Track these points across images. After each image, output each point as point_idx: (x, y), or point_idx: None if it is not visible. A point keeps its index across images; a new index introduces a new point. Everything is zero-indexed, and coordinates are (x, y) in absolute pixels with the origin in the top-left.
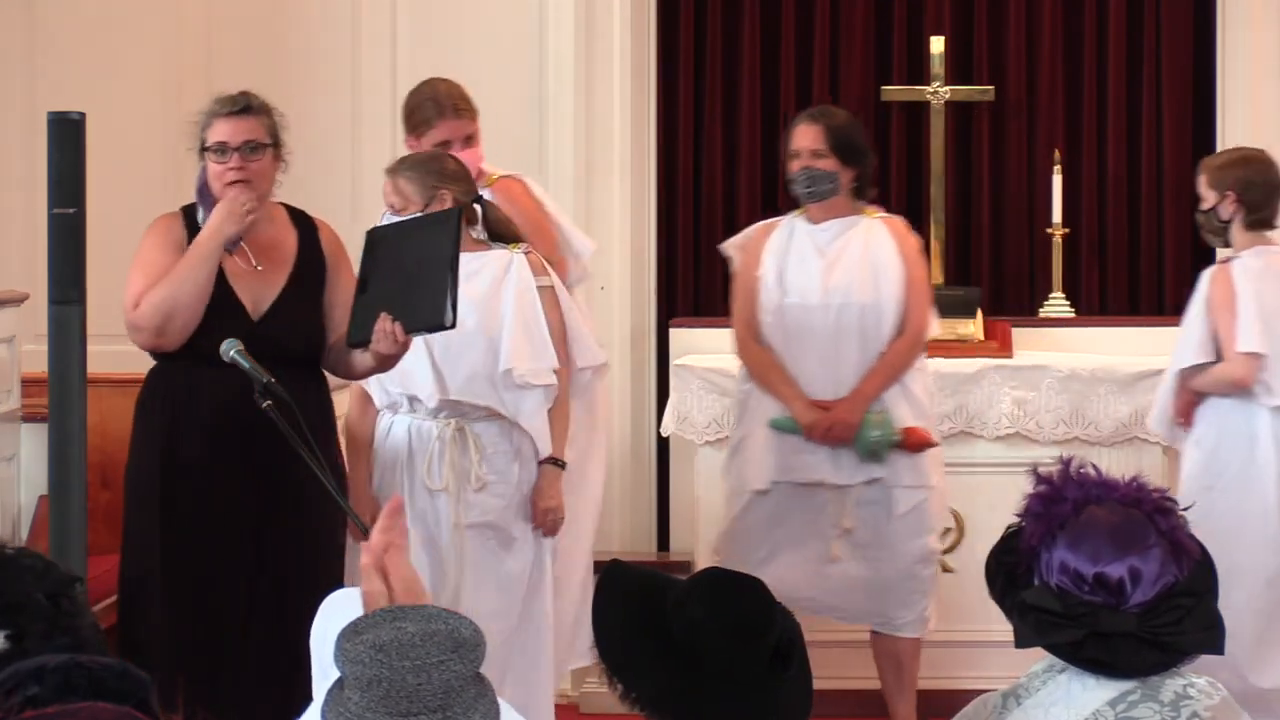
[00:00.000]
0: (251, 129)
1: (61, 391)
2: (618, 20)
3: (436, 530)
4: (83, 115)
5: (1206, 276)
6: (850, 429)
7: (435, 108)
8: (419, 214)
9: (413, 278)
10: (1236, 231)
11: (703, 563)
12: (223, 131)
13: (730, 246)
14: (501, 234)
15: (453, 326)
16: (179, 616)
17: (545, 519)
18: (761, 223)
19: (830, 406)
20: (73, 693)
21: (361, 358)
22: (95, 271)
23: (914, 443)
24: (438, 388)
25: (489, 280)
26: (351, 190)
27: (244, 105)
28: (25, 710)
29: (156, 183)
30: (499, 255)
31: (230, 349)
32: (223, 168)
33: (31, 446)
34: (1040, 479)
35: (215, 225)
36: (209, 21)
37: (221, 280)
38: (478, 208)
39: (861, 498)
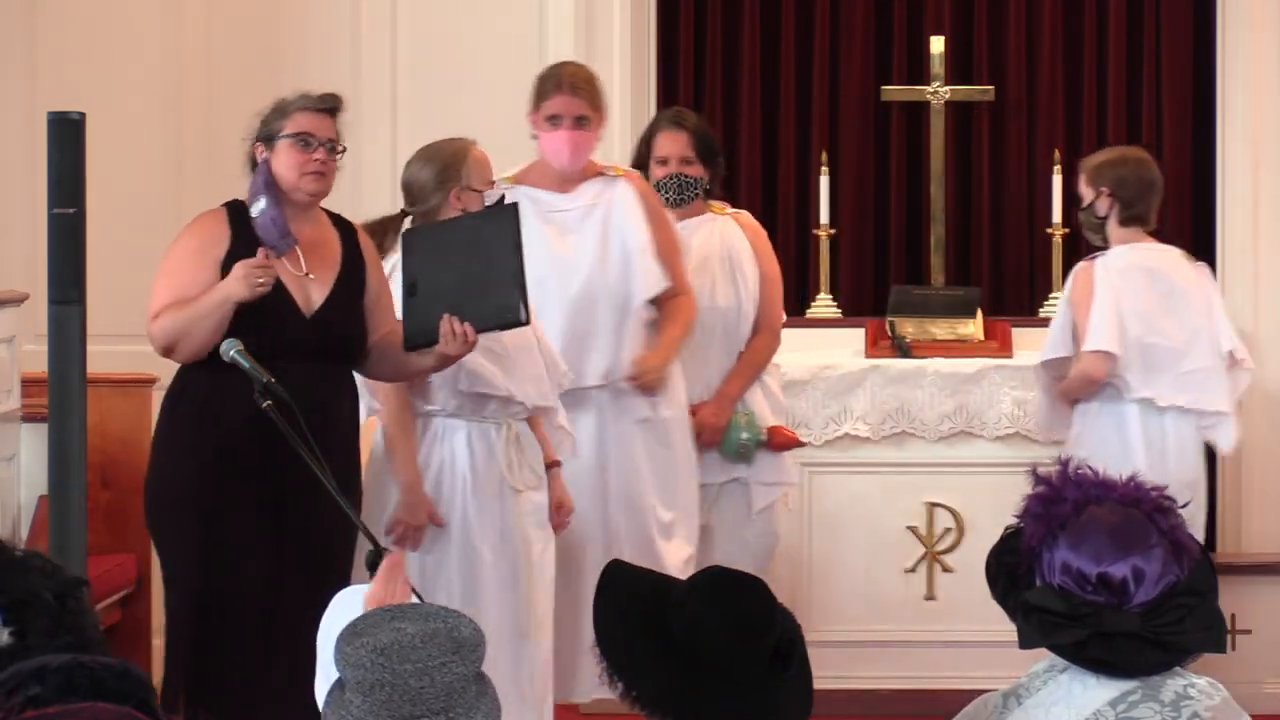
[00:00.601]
0: (335, 129)
1: (61, 391)
2: (618, 20)
3: (513, 532)
4: (83, 115)
5: (1073, 273)
6: (718, 432)
7: (554, 81)
8: (465, 212)
9: (474, 275)
10: (1112, 228)
11: (701, 562)
12: (308, 123)
13: None
14: None
15: (528, 323)
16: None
17: (562, 517)
18: None
19: (696, 410)
20: (74, 693)
21: (420, 359)
22: (95, 271)
23: (779, 442)
24: (534, 388)
25: None
26: (351, 190)
27: (334, 105)
28: (27, 710)
29: (156, 183)
30: None
31: (230, 349)
32: (305, 158)
33: (31, 446)
34: (1039, 479)
35: (227, 290)
36: (209, 22)
37: (278, 283)
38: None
39: (720, 495)
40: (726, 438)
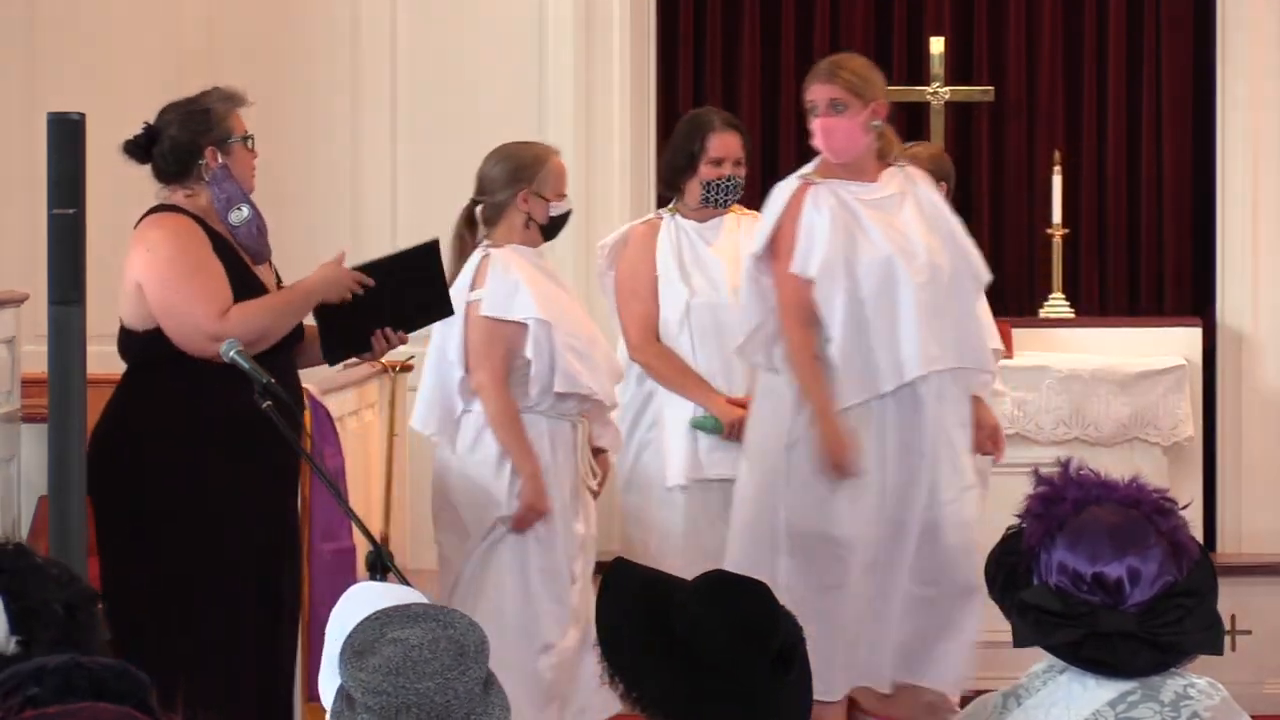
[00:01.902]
0: None
1: (61, 392)
2: (618, 20)
3: (585, 527)
4: (82, 116)
5: None
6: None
7: (812, 71)
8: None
9: (402, 294)
10: None
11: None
12: (244, 123)
13: (608, 245)
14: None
15: (452, 312)
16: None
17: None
18: (638, 222)
19: (746, 403)
20: (73, 693)
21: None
22: (95, 272)
23: None
24: (610, 385)
25: (564, 279)
26: (351, 190)
27: (246, 98)
28: (26, 710)
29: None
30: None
31: (230, 349)
32: (252, 158)
33: (31, 447)
34: (1041, 479)
35: (316, 288)
36: (209, 23)
37: (255, 279)
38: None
39: None
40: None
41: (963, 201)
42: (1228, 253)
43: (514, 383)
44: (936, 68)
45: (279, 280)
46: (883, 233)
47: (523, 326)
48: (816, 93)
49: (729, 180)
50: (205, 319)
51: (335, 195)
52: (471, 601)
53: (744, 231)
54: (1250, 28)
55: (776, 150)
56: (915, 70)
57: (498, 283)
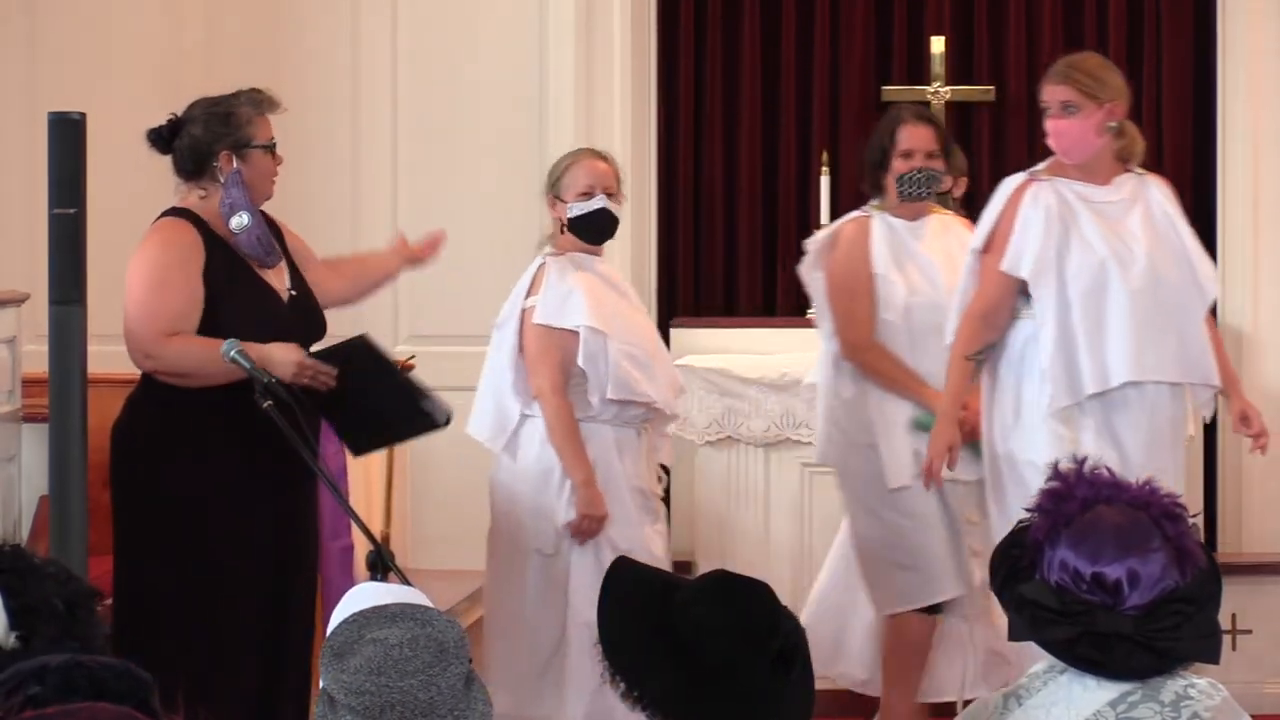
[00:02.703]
0: None
1: (62, 392)
2: (618, 20)
3: (649, 533)
4: (83, 115)
5: None
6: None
7: (1049, 71)
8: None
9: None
10: None
11: (703, 564)
12: (270, 130)
13: (816, 244)
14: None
15: (447, 424)
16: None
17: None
18: (849, 219)
19: (970, 404)
20: (74, 693)
21: (382, 273)
22: (96, 272)
23: None
24: (673, 393)
25: (627, 285)
26: (352, 190)
27: (278, 104)
28: (26, 710)
29: (157, 183)
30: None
31: (230, 349)
32: (274, 165)
33: (32, 447)
34: (1055, 475)
35: (270, 359)
36: (209, 23)
37: (257, 279)
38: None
39: (982, 491)
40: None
41: (965, 201)
42: (1228, 252)
43: (575, 391)
44: (937, 67)
45: (298, 280)
46: (1100, 236)
47: (575, 334)
48: (1049, 94)
49: (920, 172)
50: (146, 337)
51: (336, 196)
52: (550, 613)
53: (952, 235)
54: (1251, 27)
55: (777, 151)
56: (916, 70)
57: (551, 290)
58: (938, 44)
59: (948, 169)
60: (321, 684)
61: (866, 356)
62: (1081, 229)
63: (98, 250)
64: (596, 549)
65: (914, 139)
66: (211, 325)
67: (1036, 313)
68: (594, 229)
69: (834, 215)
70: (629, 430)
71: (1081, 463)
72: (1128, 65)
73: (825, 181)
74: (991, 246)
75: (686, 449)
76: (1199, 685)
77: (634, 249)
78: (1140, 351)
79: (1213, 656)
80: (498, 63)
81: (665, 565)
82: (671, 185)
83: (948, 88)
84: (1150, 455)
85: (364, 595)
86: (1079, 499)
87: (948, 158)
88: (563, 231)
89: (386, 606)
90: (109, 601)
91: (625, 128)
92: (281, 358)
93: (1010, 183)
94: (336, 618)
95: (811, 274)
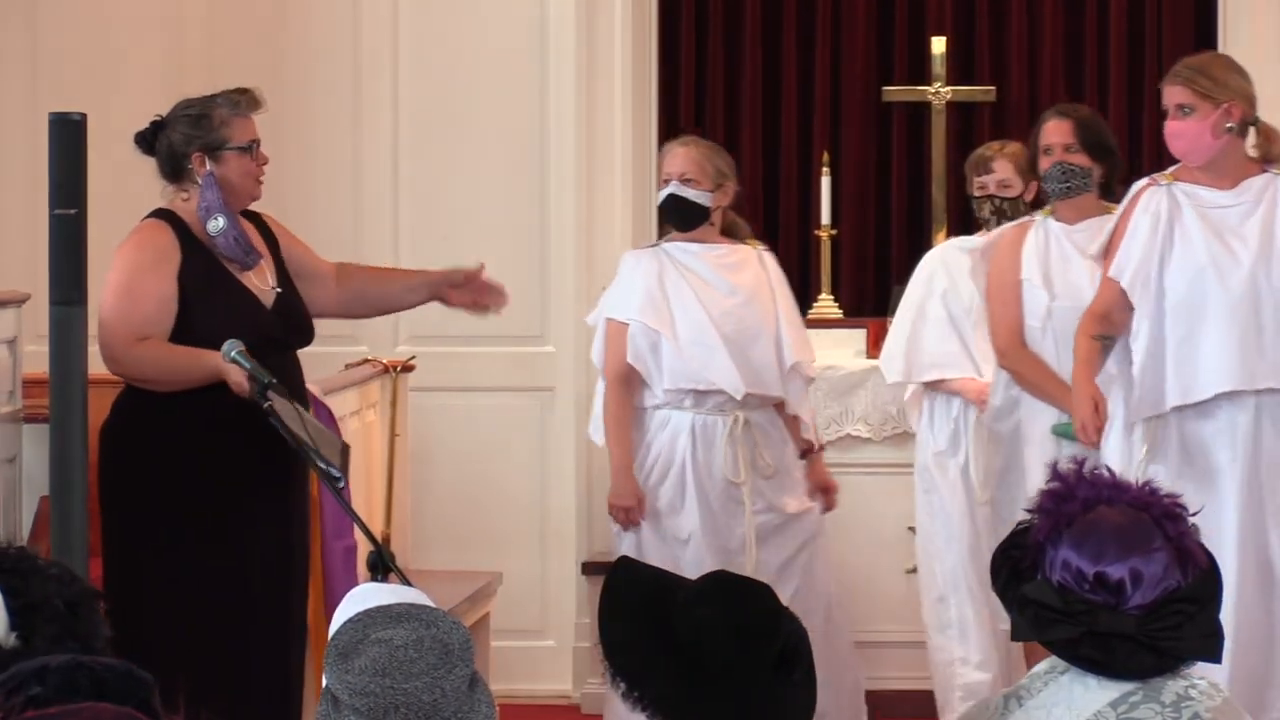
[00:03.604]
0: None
1: (63, 392)
2: (619, 20)
3: (733, 521)
4: (84, 116)
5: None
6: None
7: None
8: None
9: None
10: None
11: None
12: (251, 130)
13: (979, 251)
14: (731, 233)
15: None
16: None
17: (831, 498)
18: (1010, 224)
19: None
20: (75, 693)
21: (406, 297)
22: (96, 272)
23: None
24: (744, 381)
25: (753, 272)
26: (352, 190)
27: (261, 104)
28: (27, 710)
29: (157, 184)
30: (746, 249)
31: (232, 350)
32: (255, 166)
33: (33, 447)
34: (1055, 476)
35: (220, 371)
36: (210, 23)
37: (236, 282)
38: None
39: None
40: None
41: (963, 201)
42: None
43: (642, 382)
44: (938, 68)
45: (286, 284)
46: (1203, 242)
47: (627, 327)
48: (1167, 96)
49: (1057, 167)
50: (112, 342)
51: (337, 196)
52: None
53: None
54: (1252, 28)
55: (778, 151)
56: (917, 70)
57: (618, 284)
58: (939, 44)
59: (1095, 162)
60: (325, 683)
61: (1011, 362)
62: (1187, 234)
63: (98, 251)
64: (638, 537)
65: (1050, 134)
66: (185, 328)
67: (1134, 323)
68: (680, 216)
69: (835, 215)
70: (710, 416)
71: (1082, 463)
72: (1129, 66)
73: (826, 182)
74: (1109, 250)
75: None
76: (1200, 686)
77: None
78: (1236, 361)
79: (1214, 656)
80: (499, 62)
81: (741, 556)
82: None
83: (948, 88)
84: (1271, 467)
85: (366, 595)
86: (1080, 499)
87: (1097, 152)
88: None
89: (391, 607)
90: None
91: (626, 127)
92: (229, 370)
93: (1135, 186)
94: (339, 618)
95: (976, 279)
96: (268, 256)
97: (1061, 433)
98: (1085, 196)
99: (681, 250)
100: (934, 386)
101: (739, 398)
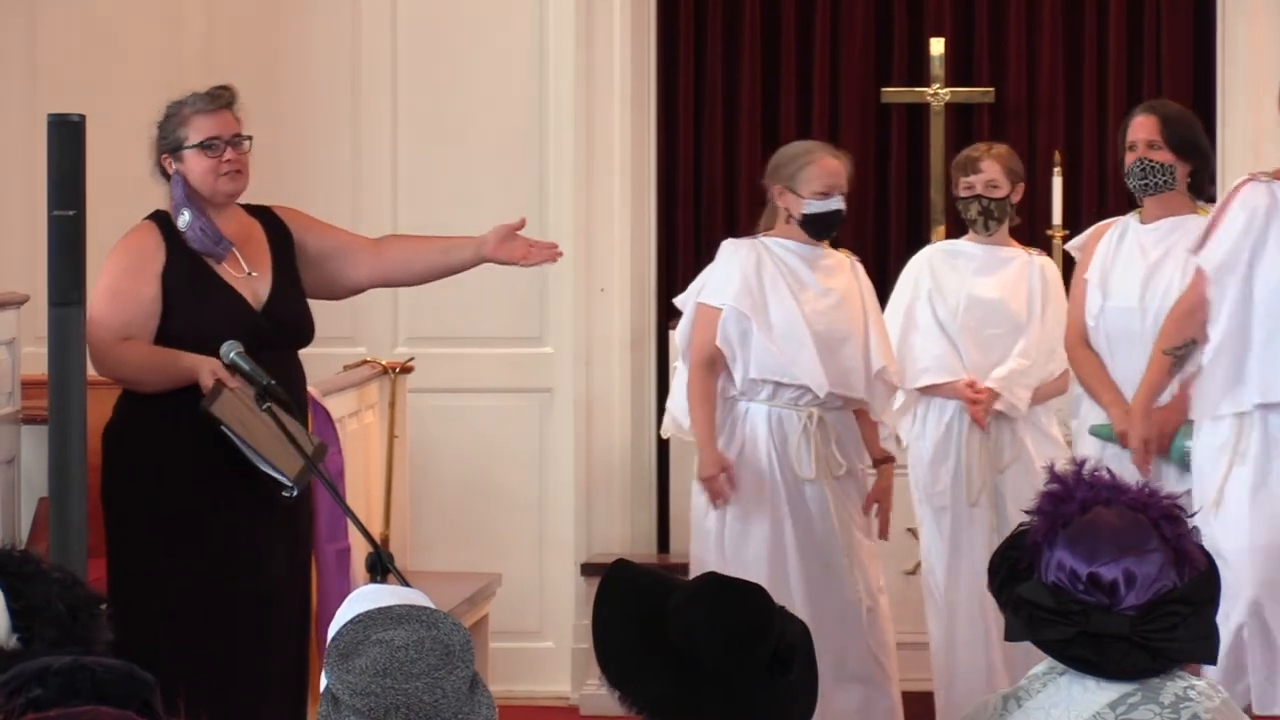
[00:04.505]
0: (235, 122)
1: (62, 393)
2: (618, 21)
3: (810, 515)
4: (83, 117)
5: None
6: (1165, 438)
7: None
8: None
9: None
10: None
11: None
12: (210, 126)
13: (1070, 249)
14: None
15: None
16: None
17: (883, 514)
18: (1100, 223)
19: (1158, 413)
20: (75, 695)
21: (440, 260)
22: (95, 274)
23: None
24: (828, 379)
25: (846, 278)
26: (352, 191)
27: (229, 98)
28: (27, 712)
29: (156, 185)
30: (840, 255)
31: (230, 351)
32: (216, 161)
33: (31, 448)
34: (1054, 478)
35: (195, 369)
36: (209, 24)
37: (221, 282)
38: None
39: None
40: (1173, 444)
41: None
42: None
43: (725, 369)
44: (937, 69)
45: (284, 280)
46: None
47: (720, 311)
48: None
49: (1138, 164)
50: (96, 343)
51: (336, 196)
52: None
53: (1188, 236)
54: (1251, 30)
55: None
56: (915, 71)
57: (715, 269)
58: (937, 45)
59: (1181, 160)
60: (326, 684)
61: (1072, 359)
62: None
63: (97, 252)
64: (720, 517)
65: (1137, 129)
66: (169, 329)
67: (1211, 312)
68: (827, 226)
69: None
70: (790, 412)
71: (1081, 464)
72: (1128, 67)
73: None
74: (1203, 242)
75: (686, 451)
76: (1199, 687)
77: (634, 249)
78: None
79: (1209, 657)
80: (498, 63)
81: (790, 555)
82: (672, 186)
83: (947, 89)
84: None
85: (367, 596)
86: (1078, 500)
87: (1183, 149)
88: (788, 221)
89: (393, 608)
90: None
91: (625, 128)
92: (205, 364)
93: (1237, 180)
94: (339, 619)
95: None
96: (264, 254)
97: (1095, 433)
98: (1170, 194)
99: (779, 245)
100: (927, 391)
101: (822, 395)
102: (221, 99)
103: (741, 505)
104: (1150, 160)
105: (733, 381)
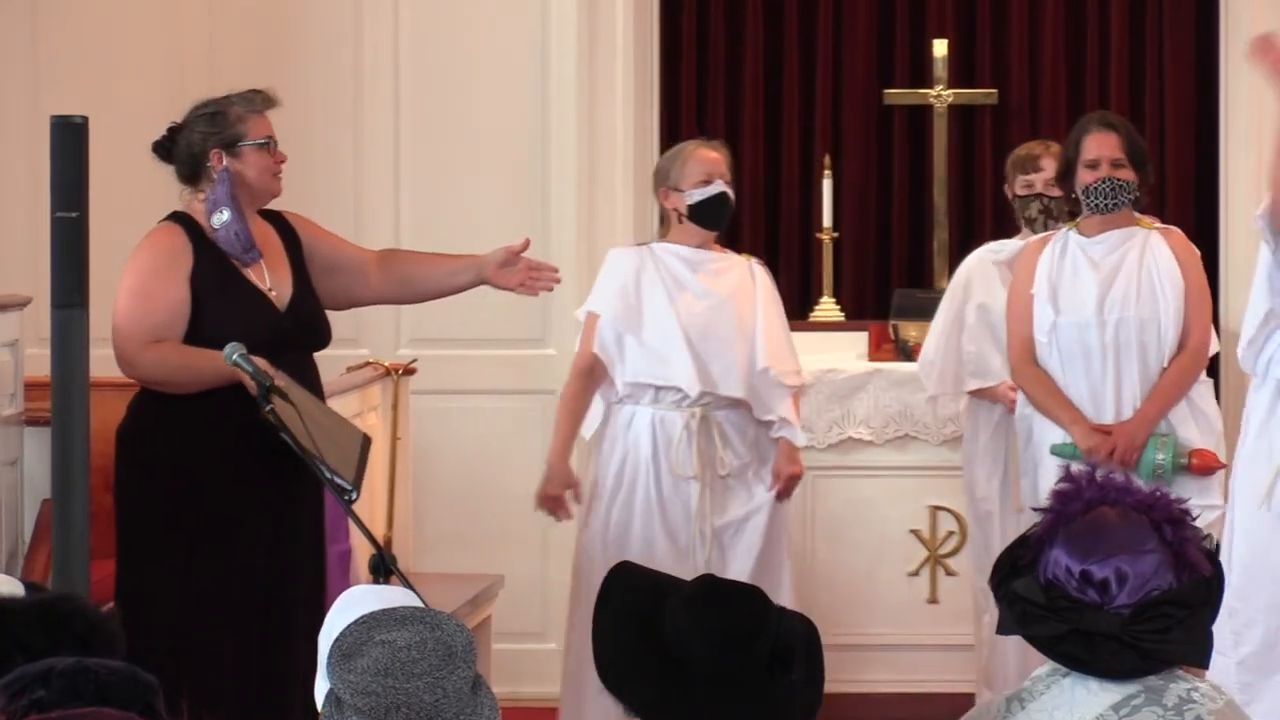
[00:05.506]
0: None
1: (64, 395)
2: (620, 21)
3: (684, 516)
4: (85, 119)
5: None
6: (1133, 453)
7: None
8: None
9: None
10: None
11: None
12: (266, 127)
13: (999, 264)
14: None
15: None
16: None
17: (789, 485)
18: (1034, 238)
19: (1111, 430)
20: (78, 697)
21: (449, 280)
22: (98, 275)
23: (1200, 466)
24: (699, 379)
25: (736, 280)
26: (353, 191)
27: (273, 103)
28: (31, 714)
29: (159, 186)
30: (738, 259)
31: (233, 353)
32: (273, 161)
33: (34, 450)
34: (1067, 477)
35: (234, 374)
36: (211, 26)
37: (248, 284)
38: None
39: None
40: (1142, 459)
41: (965, 203)
42: (1231, 256)
43: (609, 377)
44: (940, 70)
45: (302, 284)
46: None
47: (599, 318)
48: None
49: (1104, 183)
50: (127, 346)
51: (338, 197)
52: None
53: (1150, 250)
54: (1253, 30)
55: (779, 154)
56: (918, 73)
57: (599, 277)
58: (940, 47)
59: (1140, 174)
60: (329, 684)
61: (1020, 379)
62: None
63: (100, 254)
64: (604, 519)
65: (1099, 147)
66: (197, 330)
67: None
68: (715, 214)
69: (836, 218)
70: (673, 413)
71: (1094, 467)
72: (1130, 68)
73: (828, 185)
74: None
75: None
76: (1202, 689)
77: None
78: None
79: (1201, 661)
80: (500, 65)
81: (690, 559)
82: None
83: (950, 90)
84: None
85: (356, 599)
86: (1084, 500)
87: (1140, 165)
88: (680, 222)
89: (396, 609)
90: (109, 606)
91: (628, 130)
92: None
93: None
94: (331, 620)
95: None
96: (282, 258)
97: (1058, 452)
98: (1123, 211)
99: (666, 250)
100: (977, 394)
101: (693, 395)
102: (270, 102)
103: (623, 510)
104: (1117, 180)
105: (615, 387)
